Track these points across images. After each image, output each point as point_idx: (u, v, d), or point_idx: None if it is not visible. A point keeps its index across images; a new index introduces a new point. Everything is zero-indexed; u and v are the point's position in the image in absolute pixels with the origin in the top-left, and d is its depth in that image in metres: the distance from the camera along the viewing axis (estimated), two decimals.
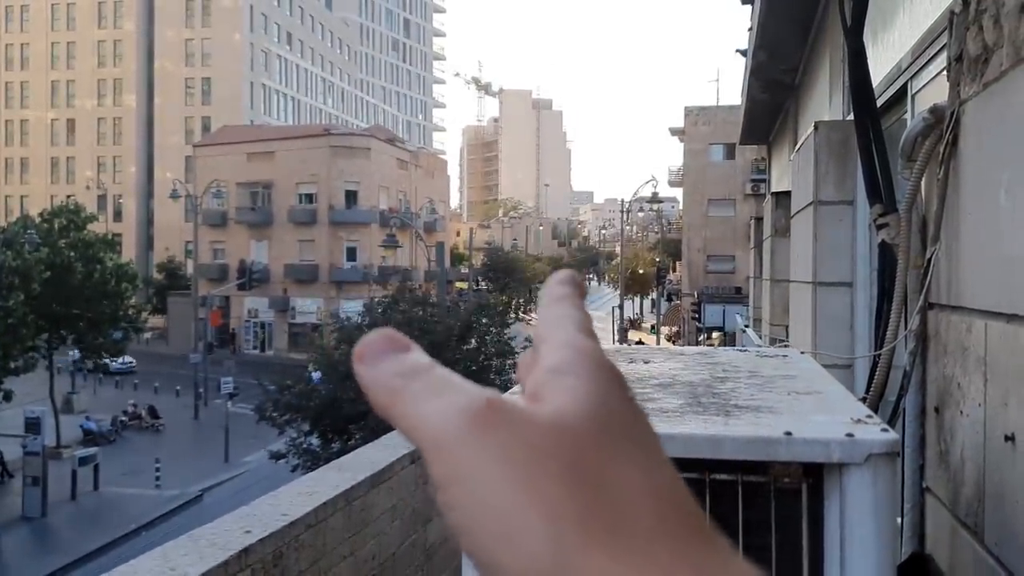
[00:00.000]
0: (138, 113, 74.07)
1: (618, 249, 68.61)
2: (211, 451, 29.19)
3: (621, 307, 51.83)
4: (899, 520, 3.07)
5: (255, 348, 56.26)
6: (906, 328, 3.26)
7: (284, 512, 3.94)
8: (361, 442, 13.27)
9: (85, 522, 23.11)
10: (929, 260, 3.07)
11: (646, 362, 3.26)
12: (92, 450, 26.72)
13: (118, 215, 71.93)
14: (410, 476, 5.25)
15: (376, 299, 22.92)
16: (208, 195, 50.47)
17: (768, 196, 11.28)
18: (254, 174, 55.86)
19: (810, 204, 5.09)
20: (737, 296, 35.10)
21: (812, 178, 5.04)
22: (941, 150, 2.90)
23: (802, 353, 4.00)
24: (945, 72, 2.98)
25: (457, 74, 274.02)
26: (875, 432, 2.01)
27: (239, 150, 56.51)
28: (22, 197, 72.59)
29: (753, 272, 16.41)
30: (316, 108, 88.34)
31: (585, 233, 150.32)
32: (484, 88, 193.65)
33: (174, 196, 46.25)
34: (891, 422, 3.14)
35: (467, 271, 66.05)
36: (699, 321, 39.56)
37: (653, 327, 51.98)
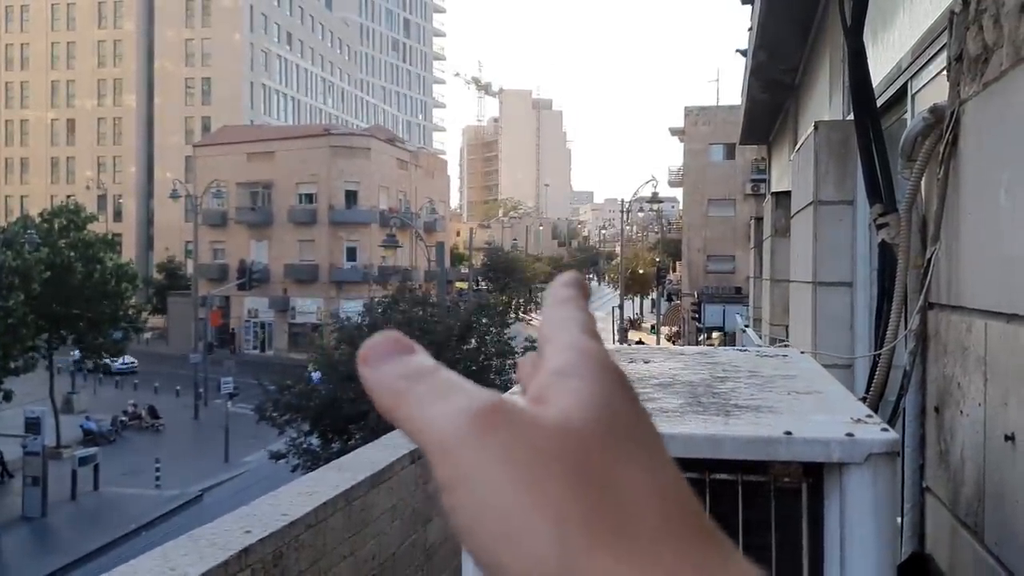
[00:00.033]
0: (138, 113, 74.07)
1: (618, 249, 68.63)
2: (211, 451, 29.19)
3: (621, 307, 51.84)
4: (899, 520, 3.07)
5: (255, 348, 56.26)
6: (906, 328, 3.26)
7: (284, 512, 3.94)
8: (361, 442, 13.27)
9: (85, 522, 23.11)
10: (929, 260, 3.07)
11: (646, 362, 3.26)
12: (92, 450, 26.72)
13: (118, 215, 71.92)
14: (410, 476, 5.25)
15: (376, 299, 22.91)
16: (208, 195, 50.47)
17: (768, 196, 11.28)
18: (254, 174, 55.87)
19: (810, 204, 5.09)
20: (737, 296, 35.09)
21: (812, 178, 5.04)
22: (941, 150, 2.90)
23: (802, 353, 4.00)
24: (945, 72, 2.98)
25: (457, 74, 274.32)
26: (875, 432, 2.01)
27: (239, 150, 56.51)
28: (22, 197, 72.60)
29: (753, 272, 16.41)
30: (316, 108, 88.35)
31: (585, 233, 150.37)
32: (484, 88, 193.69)
33: (174, 196, 46.25)
34: (891, 422, 3.14)
35: (467, 271, 66.05)
36: (699, 321, 39.56)
37: (653, 327, 51.98)
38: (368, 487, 4.69)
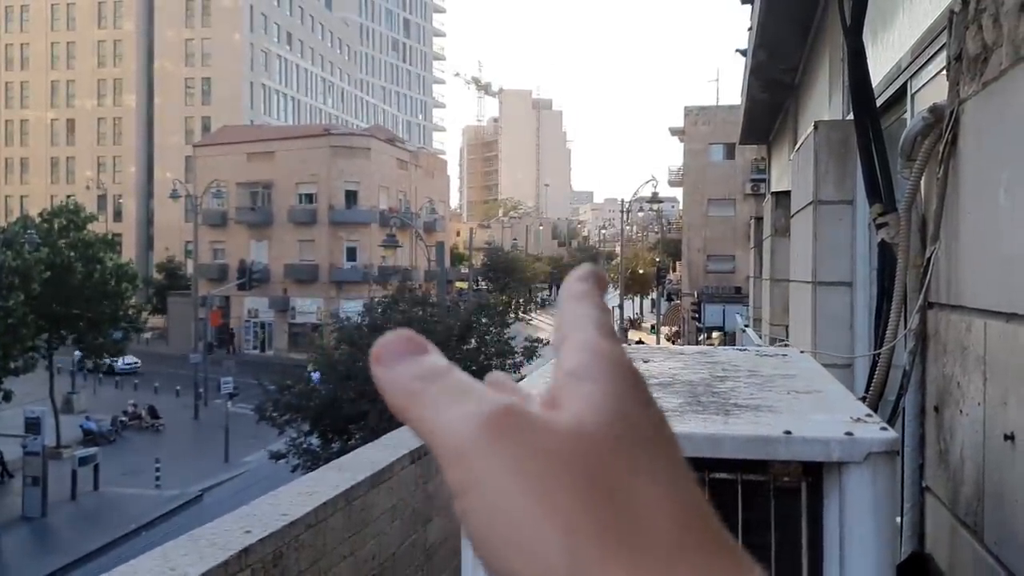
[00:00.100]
0: (138, 113, 74.08)
1: (618, 249, 68.59)
2: (211, 451, 29.19)
3: (621, 307, 51.83)
4: (899, 519, 3.07)
5: (255, 348, 56.26)
6: (906, 327, 3.26)
7: (284, 512, 3.94)
8: (361, 442, 13.27)
9: (85, 522, 23.11)
10: (929, 259, 3.07)
11: (646, 361, 3.27)
12: (92, 450, 26.72)
13: (118, 215, 71.93)
14: (410, 476, 5.25)
15: (376, 299, 22.90)
16: (208, 195, 50.47)
17: (768, 196, 11.29)
18: (254, 174, 55.87)
19: (810, 204, 5.10)
20: (737, 296, 35.09)
21: (812, 178, 5.04)
22: (940, 149, 2.90)
23: (802, 352, 4.00)
24: (945, 71, 2.98)
25: (457, 74, 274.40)
26: (874, 431, 2.01)
27: (239, 150, 56.51)
28: (22, 197, 72.59)
29: (753, 272, 16.42)
30: (316, 108, 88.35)
31: (585, 233, 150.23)
32: (484, 88, 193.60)
33: (174, 196, 46.25)
34: (891, 421, 3.14)
35: (467, 271, 66.04)
36: (699, 321, 39.56)
37: (653, 327, 52.00)
38: (368, 487, 4.69)
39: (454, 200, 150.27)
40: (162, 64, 74.29)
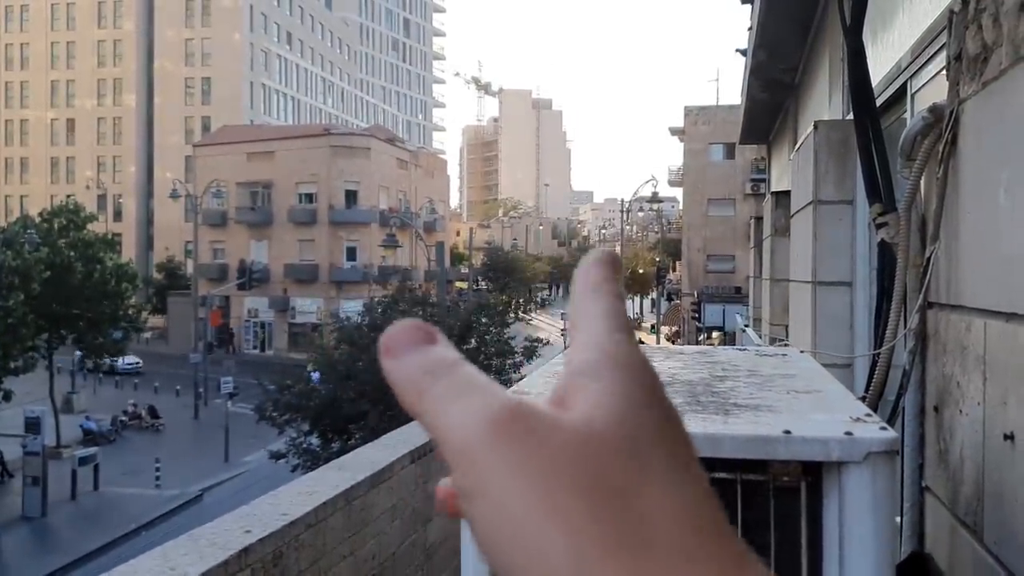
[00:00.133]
0: (138, 113, 74.09)
1: (618, 249, 68.60)
2: (211, 451, 29.20)
3: None
4: (898, 519, 3.07)
5: (255, 348, 56.27)
6: (905, 327, 3.26)
7: (284, 512, 3.94)
8: (361, 442, 13.27)
9: (85, 522, 23.11)
10: (928, 259, 3.07)
11: None
12: (92, 450, 26.73)
13: (118, 215, 71.93)
14: (410, 476, 5.25)
15: (376, 299, 22.93)
16: (208, 195, 50.47)
17: (768, 196, 11.29)
18: (254, 174, 55.88)
19: (810, 203, 5.10)
20: (737, 296, 35.08)
21: (812, 177, 5.04)
22: (940, 149, 2.90)
23: (802, 352, 4.00)
24: (944, 71, 2.98)
25: (457, 74, 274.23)
26: (874, 431, 2.01)
27: (239, 150, 56.53)
28: (22, 197, 72.61)
29: (753, 272, 16.41)
30: (316, 108, 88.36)
31: (585, 233, 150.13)
32: (484, 88, 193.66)
33: (174, 196, 46.27)
34: (890, 421, 3.14)
35: (467, 271, 66.07)
36: (699, 321, 39.55)
37: (653, 327, 51.99)
38: (368, 487, 4.69)
39: (454, 200, 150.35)
40: (162, 64, 74.30)
